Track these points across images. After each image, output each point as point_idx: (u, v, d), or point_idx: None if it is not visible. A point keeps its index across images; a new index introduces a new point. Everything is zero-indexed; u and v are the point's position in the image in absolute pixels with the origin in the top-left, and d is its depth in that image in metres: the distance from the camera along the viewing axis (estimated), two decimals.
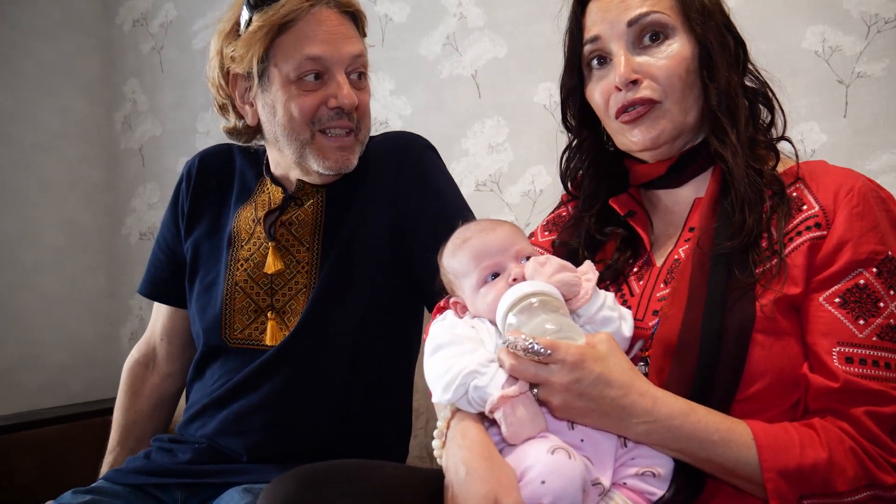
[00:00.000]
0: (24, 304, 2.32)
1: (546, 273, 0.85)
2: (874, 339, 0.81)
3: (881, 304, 0.82)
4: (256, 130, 1.26)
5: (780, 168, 0.95)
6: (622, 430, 0.79)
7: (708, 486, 0.81)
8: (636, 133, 0.94)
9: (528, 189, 1.97)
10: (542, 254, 1.10)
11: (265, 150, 1.32)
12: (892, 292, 0.83)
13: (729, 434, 0.77)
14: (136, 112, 2.66)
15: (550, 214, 1.17)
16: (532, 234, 1.16)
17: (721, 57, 0.93)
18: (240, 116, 1.25)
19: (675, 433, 0.77)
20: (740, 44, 0.98)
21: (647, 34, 0.93)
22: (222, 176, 1.34)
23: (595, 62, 0.98)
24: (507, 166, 2.00)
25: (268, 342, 1.18)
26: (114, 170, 2.67)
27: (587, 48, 0.98)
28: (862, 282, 0.83)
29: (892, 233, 0.86)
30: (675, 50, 0.92)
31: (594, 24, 0.97)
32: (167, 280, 1.36)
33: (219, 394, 1.19)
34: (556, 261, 0.88)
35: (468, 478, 0.74)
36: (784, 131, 1.00)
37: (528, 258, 0.90)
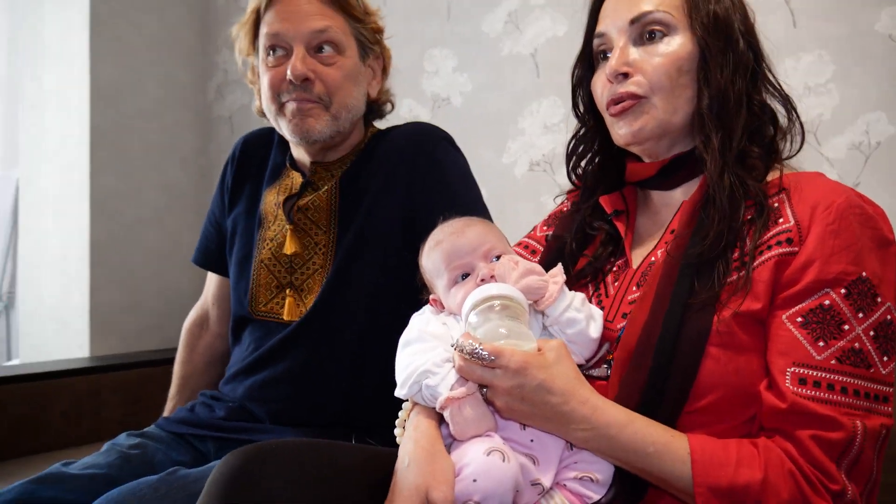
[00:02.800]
0: (127, 256, 2.59)
1: (514, 276, 0.90)
2: (832, 361, 0.80)
3: (845, 327, 0.81)
4: None
5: (773, 176, 0.93)
6: (564, 434, 0.84)
7: (651, 492, 0.84)
8: (621, 125, 0.97)
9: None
10: (522, 251, 1.14)
11: None
12: (860, 315, 0.81)
13: (665, 447, 0.80)
14: (227, 81, 2.85)
15: (554, 210, 1.19)
16: (534, 228, 1.19)
17: (719, 61, 0.92)
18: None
19: (611, 442, 0.81)
20: (757, 55, 0.96)
21: (648, 31, 0.95)
22: (260, 159, 1.45)
23: (602, 56, 1.00)
24: (562, 147, 1.98)
25: (285, 317, 1.29)
26: (207, 136, 2.89)
27: (595, 42, 1.01)
28: (827, 302, 0.82)
29: (871, 253, 0.83)
30: (672, 48, 0.94)
31: (604, 18, 1.00)
32: (215, 251, 1.51)
33: (247, 363, 1.32)
34: (525, 264, 0.92)
35: (408, 469, 0.81)
36: (800, 150, 0.98)
37: (498, 257, 0.94)
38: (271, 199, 1.38)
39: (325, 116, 1.27)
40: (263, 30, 1.27)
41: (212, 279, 1.57)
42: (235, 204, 1.46)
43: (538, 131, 2.04)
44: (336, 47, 1.28)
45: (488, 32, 2.14)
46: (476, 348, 0.81)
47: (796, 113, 0.97)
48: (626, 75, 0.94)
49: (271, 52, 1.27)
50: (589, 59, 1.04)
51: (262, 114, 1.38)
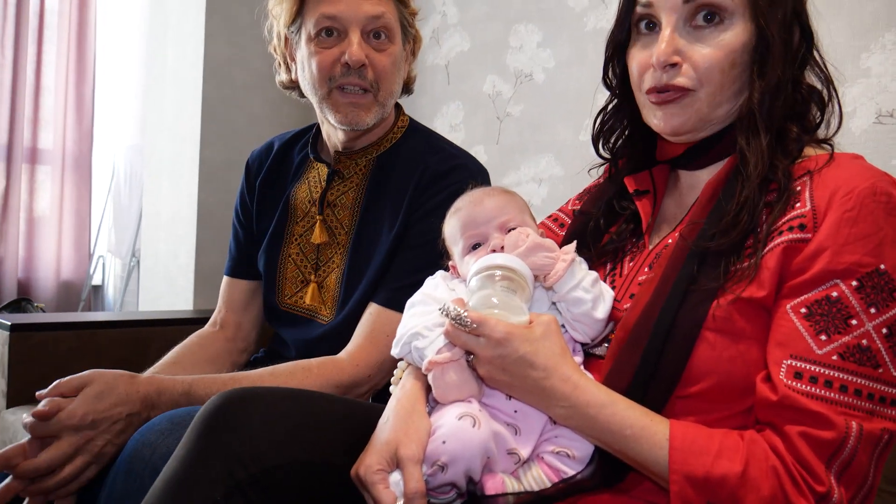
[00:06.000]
0: (228, 222, 2.78)
1: (521, 250, 0.90)
2: (834, 357, 0.75)
3: (853, 322, 0.75)
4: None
5: (806, 156, 0.87)
6: (544, 409, 0.83)
7: (632, 476, 0.82)
8: (661, 116, 0.90)
9: None
10: (551, 224, 1.12)
11: (309, 130, 1.44)
12: (872, 310, 0.75)
13: (643, 431, 0.77)
14: None
15: (591, 183, 1.16)
16: (567, 201, 1.17)
17: (779, 53, 0.85)
18: (288, 70, 1.37)
19: (589, 422, 0.80)
20: (807, 34, 0.89)
21: (703, 13, 0.87)
22: (275, 167, 1.46)
23: (643, 25, 0.92)
24: None
25: (307, 301, 1.34)
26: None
27: (639, 9, 0.92)
28: (835, 294, 0.76)
29: (895, 245, 0.76)
30: (727, 39, 0.86)
31: None
32: (243, 260, 1.51)
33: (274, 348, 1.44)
34: (534, 239, 0.91)
35: (385, 425, 0.84)
36: (837, 132, 0.91)
37: (514, 229, 0.94)
38: (303, 196, 1.39)
39: (375, 107, 1.27)
40: (317, 9, 1.24)
41: (233, 287, 1.52)
42: (263, 210, 1.47)
43: None
44: (389, 34, 1.28)
45: (573, 7, 2.09)
46: (461, 314, 0.82)
47: (836, 94, 0.89)
48: (674, 65, 0.87)
49: (324, 34, 1.24)
50: (628, 26, 0.95)
51: (287, 87, 1.39)
